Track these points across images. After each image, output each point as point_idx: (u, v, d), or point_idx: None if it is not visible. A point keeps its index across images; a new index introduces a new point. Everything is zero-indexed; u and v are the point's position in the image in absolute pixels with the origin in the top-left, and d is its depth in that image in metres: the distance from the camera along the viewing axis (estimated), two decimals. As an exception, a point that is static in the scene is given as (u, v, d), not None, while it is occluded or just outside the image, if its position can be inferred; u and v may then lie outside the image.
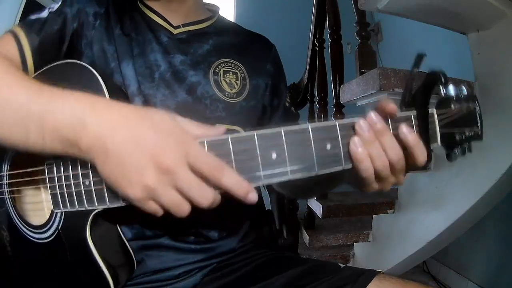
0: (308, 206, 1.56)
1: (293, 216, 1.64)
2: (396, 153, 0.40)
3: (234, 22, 0.74)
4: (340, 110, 1.50)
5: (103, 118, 0.37)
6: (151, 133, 0.36)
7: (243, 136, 0.38)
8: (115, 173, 0.36)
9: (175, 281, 0.58)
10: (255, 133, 0.38)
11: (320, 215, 1.35)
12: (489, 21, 1.03)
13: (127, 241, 0.56)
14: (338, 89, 1.43)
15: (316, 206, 1.39)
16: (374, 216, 1.51)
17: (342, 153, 0.40)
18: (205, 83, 0.60)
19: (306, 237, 1.53)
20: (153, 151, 0.35)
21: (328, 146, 0.40)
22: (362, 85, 1.09)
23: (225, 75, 0.62)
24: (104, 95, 0.46)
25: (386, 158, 0.40)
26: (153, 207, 0.37)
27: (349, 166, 0.41)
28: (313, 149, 0.39)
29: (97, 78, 0.47)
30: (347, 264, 1.30)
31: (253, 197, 0.36)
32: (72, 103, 0.38)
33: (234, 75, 0.63)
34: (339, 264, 0.59)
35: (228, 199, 0.37)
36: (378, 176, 0.42)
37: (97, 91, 0.46)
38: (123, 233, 0.55)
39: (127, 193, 0.36)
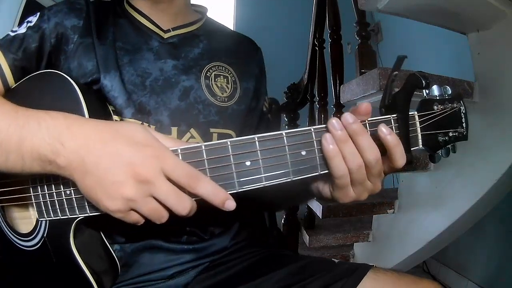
0: (308, 206, 1.56)
1: (293, 216, 1.64)
2: (373, 154, 0.40)
3: (221, 23, 0.74)
4: (340, 110, 1.50)
5: (78, 136, 0.38)
6: (127, 147, 0.37)
7: (217, 144, 0.39)
8: (95, 188, 0.37)
9: (168, 280, 0.58)
10: (228, 141, 0.39)
11: (320, 215, 1.35)
12: (489, 21, 1.03)
13: (120, 244, 0.56)
14: (338, 89, 1.43)
15: (316, 206, 1.39)
16: (374, 216, 1.50)
17: (318, 159, 0.40)
18: (197, 88, 0.60)
19: (306, 237, 1.53)
20: (130, 164, 0.36)
21: (303, 152, 0.40)
22: (362, 85, 1.09)
23: (216, 79, 0.62)
24: (81, 103, 0.46)
25: (361, 159, 0.40)
26: (134, 218, 0.39)
27: (326, 171, 0.41)
28: (288, 155, 0.39)
29: (74, 87, 0.47)
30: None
31: (230, 204, 0.38)
32: (47, 123, 0.39)
33: (225, 79, 0.63)
34: (333, 259, 0.59)
35: (207, 207, 0.38)
36: (353, 180, 0.41)
37: (74, 99, 0.47)
38: (113, 237, 0.56)
39: (108, 206, 0.37)
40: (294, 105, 2.06)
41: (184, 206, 0.37)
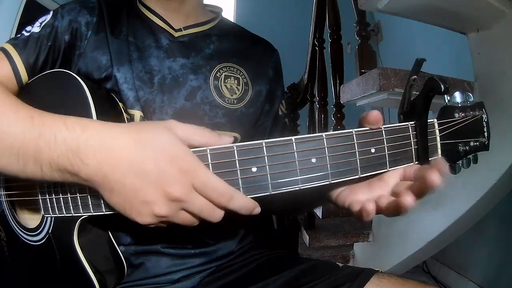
0: (308, 206, 1.56)
1: (293, 216, 1.64)
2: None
3: (238, 24, 0.72)
4: (340, 110, 1.50)
5: (99, 152, 0.35)
6: (153, 164, 0.34)
7: (222, 148, 0.37)
8: (123, 205, 0.36)
9: (174, 283, 0.58)
10: (234, 146, 0.37)
11: (320, 215, 1.35)
12: (489, 21, 1.03)
13: (125, 246, 0.56)
14: (338, 89, 1.43)
15: (316, 206, 1.39)
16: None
17: (328, 167, 0.38)
18: (205, 88, 0.59)
19: (306, 237, 1.53)
20: (159, 183, 0.34)
21: (314, 160, 0.38)
22: (362, 85, 1.09)
23: (226, 80, 0.61)
24: (89, 103, 0.46)
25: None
26: (162, 226, 0.38)
27: (337, 180, 0.38)
28: (297, 162, 0.37)
29: (82, 86, 0.47)
30: (347, 264, 1.30)
31: (257, 211, 0.38)
32: (64, 136, 0.36)
33: (236, 80, 0.62)
34: (337, 263, 0.59)
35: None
36: None
37: (82, 98, 0.46)
38: (120, 238, 0.56)
39: (138, 221, 0.36)
40: (294, 105, 2.06)
41: (216, 216, 0.37)
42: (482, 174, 1.06)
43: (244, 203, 0.37)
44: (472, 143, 0.42)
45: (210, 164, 0.37)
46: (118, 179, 0.35)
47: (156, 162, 0.34)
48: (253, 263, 0.62)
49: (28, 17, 2.04)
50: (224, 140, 0.38)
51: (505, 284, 1.54)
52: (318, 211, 1.37)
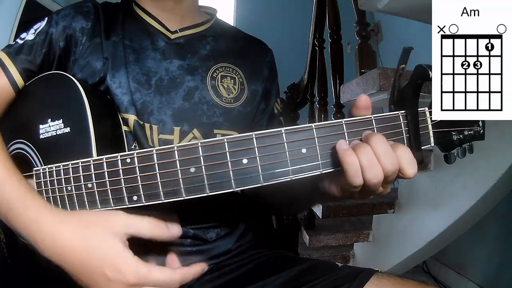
0: (308, 206, 1.56)
1: (293, 216, 1.64)
2: (392, 162, 0.37)
3: (232, 25, 0.73)
4: (340, 110, 1.50)
5: (51, 251, 0.41)
6: (101, 274, 0.40)
7: (213, 141, 0.38)
8: None
9: None
10: (224, 138, 0.37)
11: (320, 215, 1.35)
12: (489, 21, 1.03)
13: None
14: (338, 89, 1.43)
15: (316, 206, 1.39)
16: (374, 216, 1.50)
17: (319, 157, 0.38)
18: (202, 88, 0.60)
19: (306, 237, 1.53)
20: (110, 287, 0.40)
21: (304, 150, 0.38)
22: (362, 85, 1.10)
23: (222, 80, 0.61)
24: (84, 105, 0.47)
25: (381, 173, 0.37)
26: None
27: (328, 170, 0.38)
28: (287, 153, 0.37)
29: (78, 87, 0.47)
30: (347, 264, 1.30)
31: (205, 268, 0.46)
32: (24, 224, 0.42)
33: (232, 80, 0.62)
34: (337, 263, 0.59)
35: (212, 210, 0.40)
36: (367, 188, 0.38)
37: (77, 100, 0.47)
38: None
39: None
40: (294, 105, 2.06)
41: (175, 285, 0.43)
42: (482, 174, 1.06)
43: (195, 273, 0.44)
44: (466, 132, 0.42)
45: (201, 157, 0.38)
46: (76, 274, 0.41)
47: (104, 273, 0.40)
48: (252, 262, 0.62)
49: (28, 17, 2.05)
50: (172, 231, 0.44)
51: (505, 284, 1.54)
52: (318, 211, 1.37)
